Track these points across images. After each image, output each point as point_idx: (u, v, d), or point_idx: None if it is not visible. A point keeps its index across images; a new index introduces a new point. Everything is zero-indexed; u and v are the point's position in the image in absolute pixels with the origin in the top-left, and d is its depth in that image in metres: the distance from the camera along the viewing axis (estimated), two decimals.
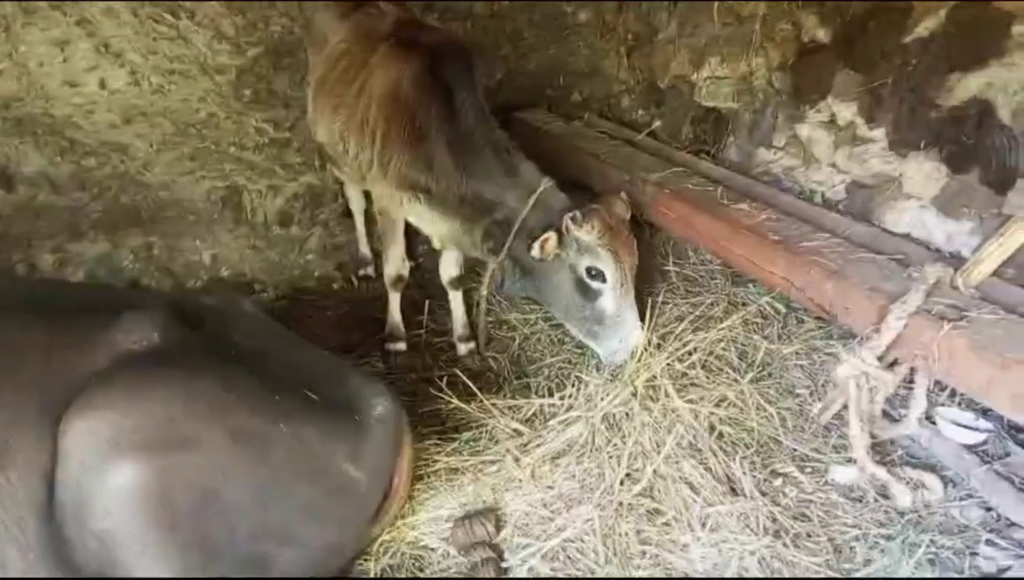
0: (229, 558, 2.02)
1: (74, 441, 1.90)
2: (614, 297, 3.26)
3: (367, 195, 4.49)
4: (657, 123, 4.97)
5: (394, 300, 4.10)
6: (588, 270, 3.25)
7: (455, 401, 3.30)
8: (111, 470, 1.88)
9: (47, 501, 1.93)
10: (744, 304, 3.74)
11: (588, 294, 3.29)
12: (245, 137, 4.82)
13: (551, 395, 3.40)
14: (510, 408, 3.30)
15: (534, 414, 3.28)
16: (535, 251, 3.21)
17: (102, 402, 1.95)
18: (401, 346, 4.07)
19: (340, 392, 2.50)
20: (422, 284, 4.57)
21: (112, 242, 4.53)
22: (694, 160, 4.38)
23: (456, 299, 4.08)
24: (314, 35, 4.28)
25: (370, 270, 4.85)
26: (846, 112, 3.80)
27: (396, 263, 4.00)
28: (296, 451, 2.19)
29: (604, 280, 3.24)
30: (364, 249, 4.91)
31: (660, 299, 3.75)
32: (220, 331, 2.43)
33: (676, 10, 4.86)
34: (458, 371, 3.43)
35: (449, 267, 4.06)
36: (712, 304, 3.75)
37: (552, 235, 3.20)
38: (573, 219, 3.17)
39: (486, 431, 3.22)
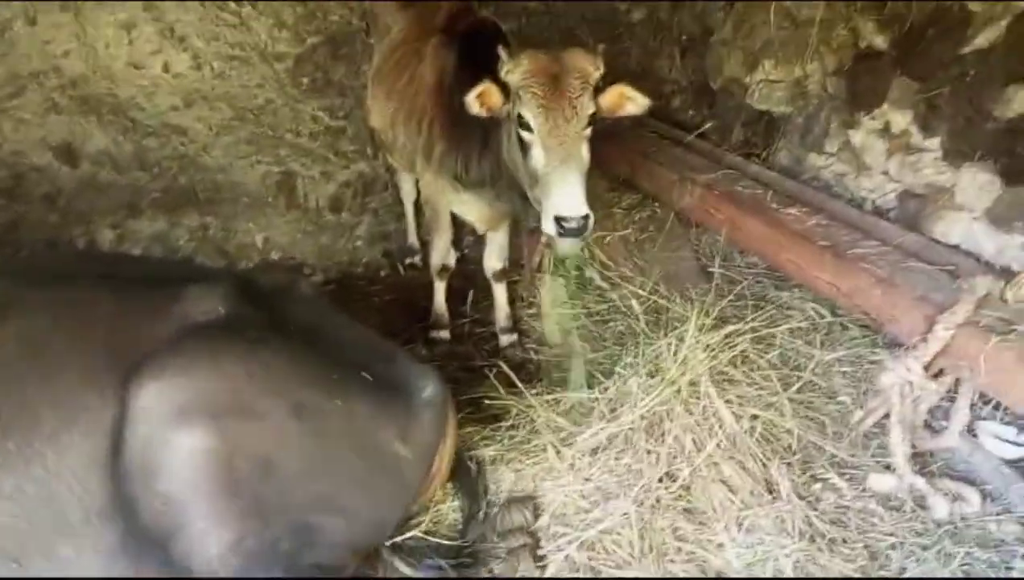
0: (282, 525, 2.10)
1: (145, 403, 1.99)
2: (541, 150, 2.90)
3: (417, 184, 4.57)
4: (708, 124, 4.97)
5: (439, 289, 4.17)
6: (519, 118, 2.94)
7: (500, 391, 3.35)
8: (179, 434, 1.97)
9: (111, 460, 2.01)
10: (789, 308, 3.74)
11: (524, 149, 2.99)
12: (301, 124, 4.93)
13: (591, 390, 3.44)
14: (550, 402, 3.34)
15: (573, 407, 3.32)
16: (471, 104, 2.99)
17: (173, 367, 2.03)
18: (444, 334, 4.15)
19: (390, 373, 2.57)
20: (467, 275, 4.64)
21: (169, 221, 4.67)
22: (744, 163, 4.39)
23: (499, 291, 4.14)
24: (378, 25, 4.38)
25: (417, 259, 4.94)
26: (901, 120, 3.77)
27: (442, 252, 4.07)
28: (350, 426, 2.27)
29: (531, 129, 2.92)
30: (412, 238, 5.00)
31: (704, 300, 3.76)
32: (279, 309, 2.51)
33: (732, 12, 4.86)
34: (501, 363, 3.47)
35: (493, 259, 4.12)
36: (757, 307, 3.75)
37: (488, 84, 2.95)
38: (504, 53, 2.96)
39: (526, 422, 3.27)
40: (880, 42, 3.86)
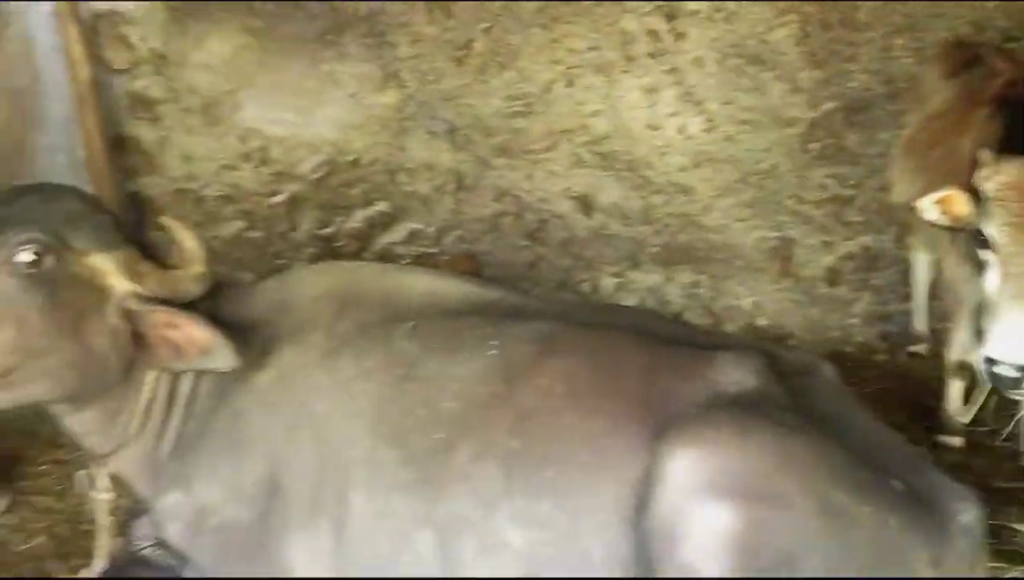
0: None
1: (679, 468, 1.96)
2: (1000, 276, 2.49)
3: (937, 266, 4.12)
4: None
5: (954, 388, 3.67)
6: (977, 235, 2.57)
7: None
8: (708, 509, 1.91)
9: (634, 512, 2.02)
10: None
11: (977, 266, 2.62)
12: (805, 191, 4.77)
13: None
14: None
15: None
16: (926, 210, 2.64)
17: (710, 438, 1.99)
18: (956, 442, 3.64)
19: (920, 486, 2.24)
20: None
21: (664, 276, 4.83)
22: None
23: None
24: (916, 92, 4.05)
25: (922, 349, 4.44)
26: None
27: (961, 347, 3.57)
28: (879, 538, 2.01)
29: (991, 249, 2.52)
30: (919, 325, 4.50)
31: None
32: (802, 390, 2.35)
33: None
34: None
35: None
36: None
37: (952, 191, 2.61)
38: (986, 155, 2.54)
39: None
40: None
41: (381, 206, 4.98)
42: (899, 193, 3.86)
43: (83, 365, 2.27)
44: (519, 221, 4.94)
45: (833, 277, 4.74)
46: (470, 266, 4.84)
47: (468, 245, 4.95)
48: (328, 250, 4.94)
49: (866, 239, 4.71)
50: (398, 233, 5.01)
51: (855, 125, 4.76)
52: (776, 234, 4.77)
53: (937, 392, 3.76)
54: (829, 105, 4.80)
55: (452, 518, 2.16)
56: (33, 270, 2.16)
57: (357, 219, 4.99)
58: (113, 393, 2.41)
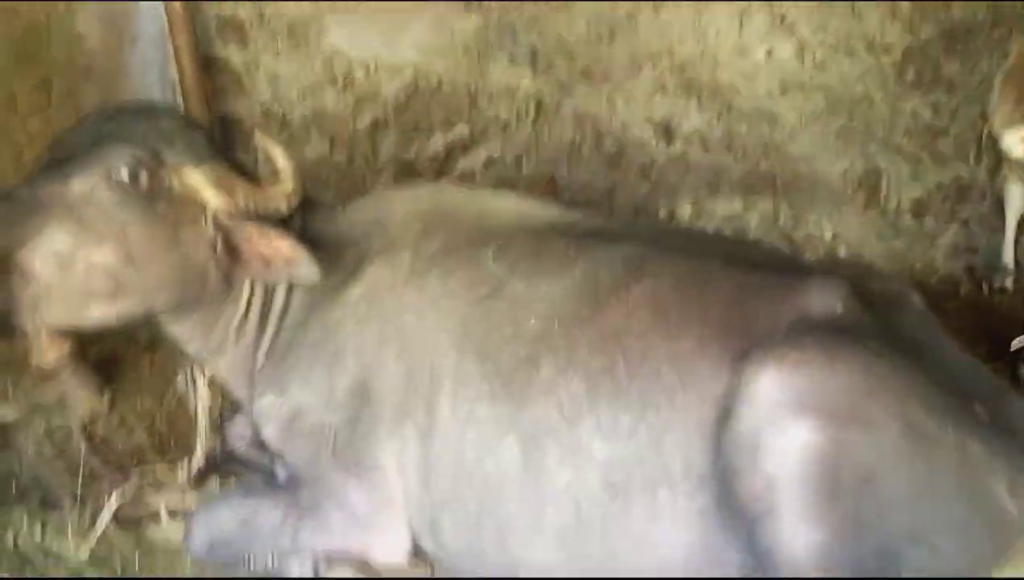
0: (870, 545, 1.98)
1: (765, 386, 2.01)
2: None
3: None
4: None
5: None
6: None
7: None
8: (794, 425, 1.96)
9: (715, 430, 2.09)
10: None
11: None
12: (897, 120, 4.64)
13: None
14: None
15: None
16: (1011, 145, 2.69)
17: (794, 359, 2.03)
18: None
19: (1002, 414, 2.26)
20: None
21: (744, 204, 4.79)
22: None
23: None
24: (1020, 19, 3.90)
25: (1008, 282, 4.36)
26: None
27: None
28: (960, 462, 2.05)
29: None
30: (1007, 258, 4.42)
31: None
32: (888, 317, 2.36)
33: None
34: None
35: None
36: None
37: None
38: None
39: None
40: None
41: (461, 130, 4.99)
42: (999, 123, 3.75)
43: (182, 276, 2.42)
44: (599, 147, 4.91)
45: (920, 209, 4.65)
46: (550, 190, 4.85)
47: (547, 170, 4.95)
48: (409, 173, 4.99)
49: (957, 170, 4.59)
50: (478, 157, 5.02)
51: (954, 53, 4.59)
52: (864, 164, 4.68)
53: (1018, 324, 3.68)
54: (928, 32, 4.61)
55: (536, 427, 2.26)
56: (131, 185, 2.28)
57: (437, 143, 5.01)
58: (212, 303, 2.57)
